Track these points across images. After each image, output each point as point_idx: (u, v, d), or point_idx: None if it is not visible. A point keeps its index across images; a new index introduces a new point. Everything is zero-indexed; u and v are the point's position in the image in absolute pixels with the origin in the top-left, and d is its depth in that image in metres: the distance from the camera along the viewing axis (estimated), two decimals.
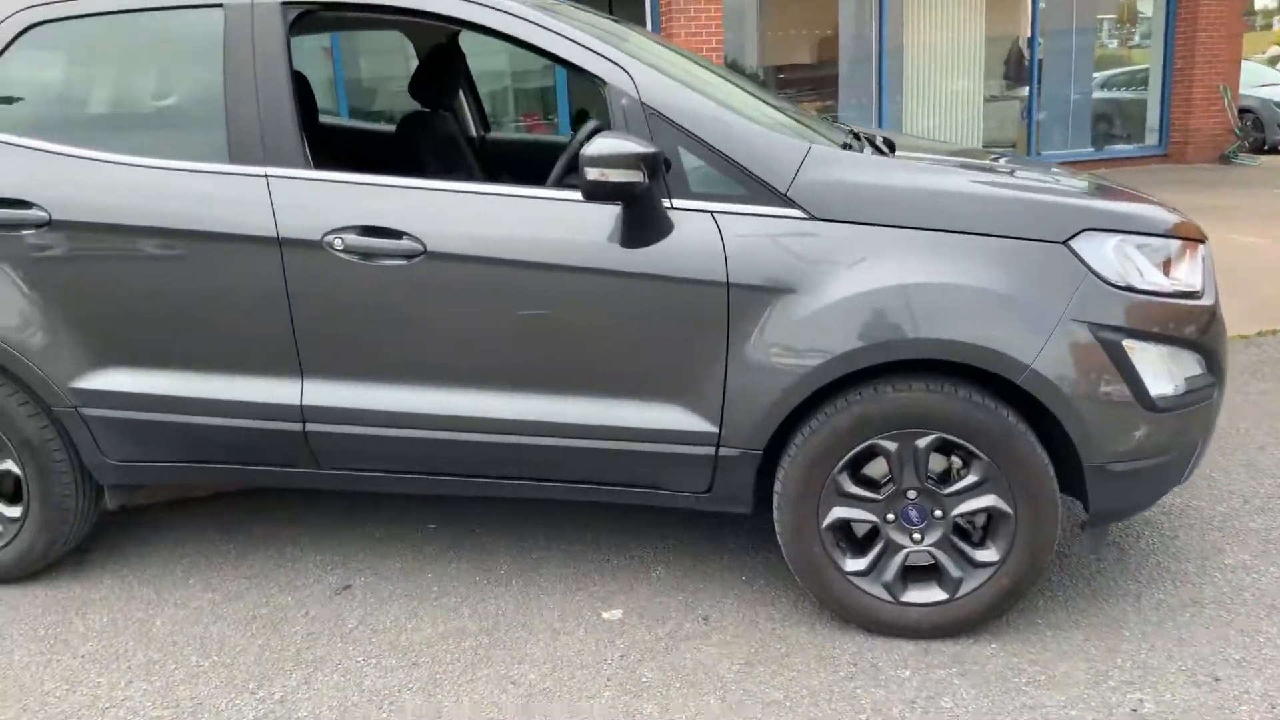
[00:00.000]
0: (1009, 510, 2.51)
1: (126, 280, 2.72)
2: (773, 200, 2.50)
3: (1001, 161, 3.17)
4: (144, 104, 2.88)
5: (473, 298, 2.60)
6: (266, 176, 2.64)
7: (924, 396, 2.46)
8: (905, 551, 2.59)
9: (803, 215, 2.48)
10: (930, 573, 2.62)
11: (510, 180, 3.99)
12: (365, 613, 2.84)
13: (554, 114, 10.65)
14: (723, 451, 2.59)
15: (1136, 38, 13.55)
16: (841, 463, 2.53)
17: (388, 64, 9.97)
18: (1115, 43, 13.53)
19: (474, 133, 4.30)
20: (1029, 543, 2.53)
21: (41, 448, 2.86)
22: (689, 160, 2.54)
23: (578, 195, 2.52)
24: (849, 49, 11.69)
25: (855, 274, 2.45)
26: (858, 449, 2.51)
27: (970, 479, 2.52)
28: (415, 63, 4.04)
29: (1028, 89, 12.26)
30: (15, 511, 2.95)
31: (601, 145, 2.36)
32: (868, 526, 2.62)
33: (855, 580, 2.61)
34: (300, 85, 2.90)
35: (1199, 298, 2.56)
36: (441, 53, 3.77)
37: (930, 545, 2.58)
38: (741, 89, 3.04)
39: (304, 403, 2.72)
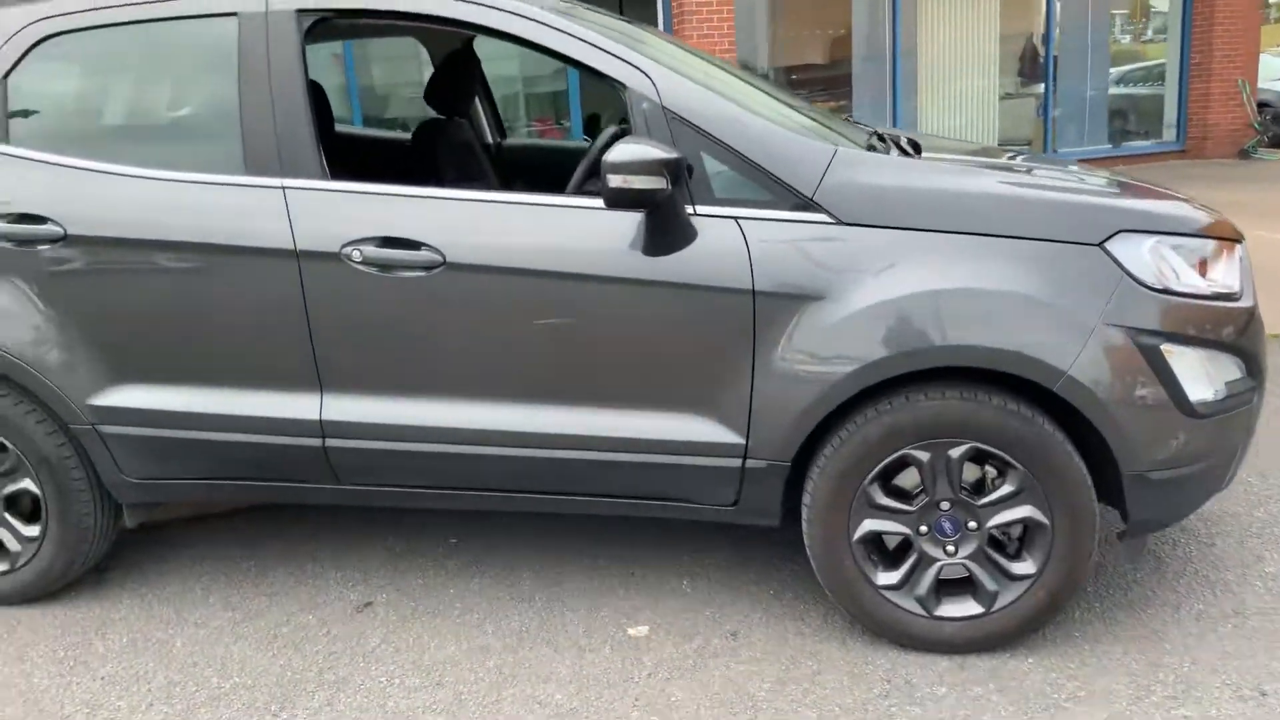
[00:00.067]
0: (1046, 521, 2.44)
1: (142, 295, 2.68)
2: (798, 205, 2.44)
3: (1019, 160, 3.11)
4: (158, 116, 2.84)
5: (493, 309, 2.55)
6: (283, 188, 2.60)
7: (957, 405, 2.39)
8: (939, 564, 2.52)
9: (829, 220, 2.42)
10: (964, 586, 2.56)
11: (526, 188, 3.97)
12: (387, 631, 2.80)
13: (566, 118, 10.61)
14: (749, 463, 2.53)
15: (1150, 32, 13.41)
16: (872, 474, 2.47)
17: (401, 70, 9.95)
18: (1128, 38, 13.39)
19: (490, 139, 4.25)
20: (1067, 554, 2.46)
21: (59, 466, 2.83)
22: (712, 165, 2.49)
23: (599, 203, 2.47)
24: (862, 48, 11.61)
25: (884, 280, 2.38)
26: (889, 459, 2.45)
27: (1005, 489, 2.45)
28: (429, 69, 4.00)
29: (1043, 86, 12.15)
30: (34, 530, 2.92)
31: (624, 151, 2.30)
32: (899, 539, 2.56)
33: (887, 594, 2.55)
34: (316, 95, 2.85)
35: (1237, 299, 2.49)
36: (457, 59, 3.73)
37: (964, 558, 2.51)
38: (762, 90, 2.99)
39: (323, 418, 2.68)
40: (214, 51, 2.66)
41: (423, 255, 2.53)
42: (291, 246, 2.57)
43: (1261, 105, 12.77)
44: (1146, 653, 2.55)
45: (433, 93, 3.69)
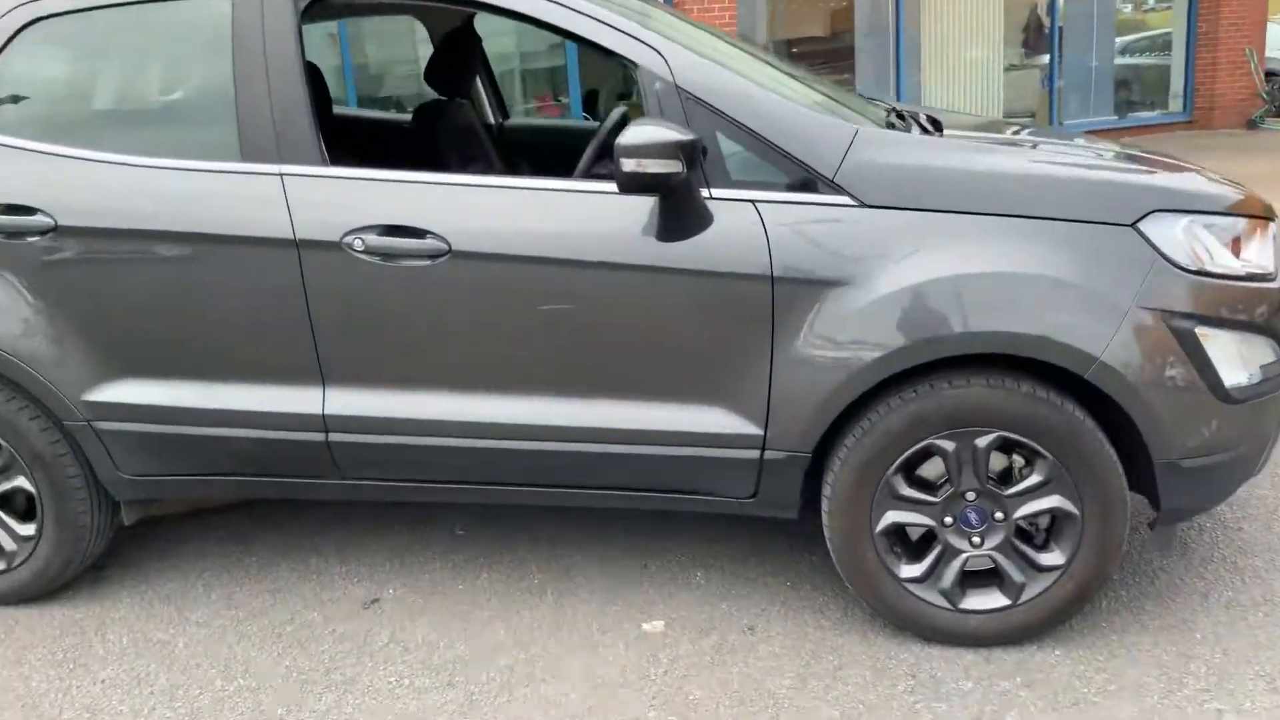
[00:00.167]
0: (1075, 511, 2.37)
1: (137, 287, 2.59)
2: (819, 187, 2.34)
3: (1024, 134, 3.01)
4: (150, 101, 2.75)
5: (501, 298, 2.46)
6: (281, 175, 2.50)
7: (984, 393, 2.31)
8: (964, 556, 2.45)
9: (851, 202, 2.33)
10: (990, 577, 2.48)
11: (530, 169, 3.87)
12: (395, 629, 2.72)
13: (565, 95, 10.45)
14: (768, 454, 2.45)
15: (1153, 0, 13.22)
16: (895, 464, 2.39)
17: (397, 48, 9.78)
18: (1130, 7, 13.18)
19: (492, 120, 4.13)
20: (1096, 545, 2.39)
21: (54, 463, 2.74)
22: (728, 146, 2.39)
23: (609, 186, 2.37)
24: (865, 20, 11.42)
25: (909, 264, 2.29)
26: (913, 449, 2.37)
27: (1034, 479, 2.37)
28: (426, 46, 3.88)
29: (1048, 57, 11.98)
30: (29, 529, 2.83)
31: (638, 134, 2.20)
32: (923, 530, 2.48)
33: (911, 587, 2.48)
34: (314, 77, 2.75)
35: (1271, 279, 2.41)
36: (457, 38, 3.61)
37: (991, 549, 2.44)
38: (774, 66, 2.89)
39: (326, 412, 2.59)
40: (206, 34, 2.55)
41: (427, 244, 2.43)
42: (291, 236, 2.47)
43: (1269, 74, 12.61)
44: (1177, 643, 2.48)
45: (433, 73, 3.57)
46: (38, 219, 2.58)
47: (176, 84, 2.72)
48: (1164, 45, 12.65)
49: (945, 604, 2.47)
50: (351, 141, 3.17)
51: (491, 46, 3.98)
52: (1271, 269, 2.42)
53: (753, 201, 2.36)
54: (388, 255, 2.45)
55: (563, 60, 10.28)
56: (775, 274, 2.33)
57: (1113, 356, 2.25)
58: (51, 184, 2.60)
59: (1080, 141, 3.01)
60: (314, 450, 2.63)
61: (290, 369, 2.59)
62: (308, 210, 2.48)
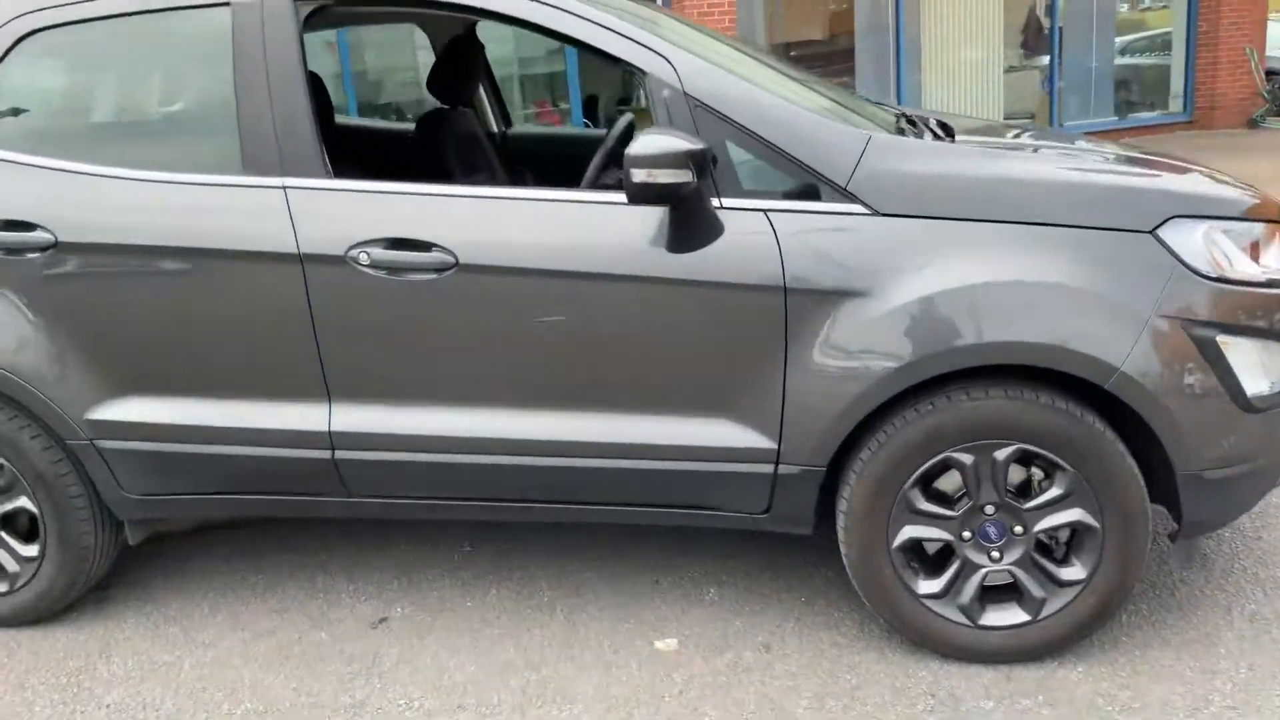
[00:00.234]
0: (1096, 524, 2.32)
1: (139, 304, 2.55)
2: (831, 195, 2.30)
3: (1025, 136, 2.97)
4: (151, 114, 2.70)
5: (509, 312, 2.41)
6: (284, 188, 2.45)
7: (1003, 404, 2.27)
8: (983, 571, 2.40)
9: (865, 211, 2.28)
10: (1009, 592, 2.44)
11: (534, 178, 3.83)
12: (404, 649, 2.67)
13: (565, 101, 10.41)
14: (782, 469, 2.41)
15: (1147, 0, 13.18)
16: (913, 478, 2.34)
17: (396, 55, 9.75)
18: (1125, 6, 13.14)
19: (495, 128, 4.09)
20: (1118, 559, 2.34)
21: (56, 483, 2.70)
22: (738, 154, 2.35)
23: (617, 197, 2.33)
24: (864, 21, 11.39)
25: (925, 273, 2.25)
26: (930, 463, 2.33)
27: (1054, 492, 2.33)
28: (425, 53, 3.84)
29: (1048, 58, 11.94)
30: (32, 550, 2.79)
31: (648, 144, 2.16)
32: (941, 545, 2.44)
33: (929, 603, 2.43)
34: (316, 87, 2.70)
35: None
36: (460, 45, 3.57)
37: (1010, 564, 2.39)
38: (781, 72, 2.84)
39: (332, 429, 2.54)
40: (207, 45, 2.50)
41: (434, 257, 2.39)
42: (295, 250, 2.43)
43: (1270, 74, 12.56)
44: (1200, 659, 2.43)
45: (436, 81, 3.53)
46: (37, 235, 2.53)
47: (177, 95, 2.67)
48: (1164, 45, 12.61)
49: (964, 620, 2.43)
50: (356, 153, 3.13)
51: (490, 52, 3.94)
52: None
53: (764, 211, 2.31)
54: (394, 269, 2.41)
55: (562, 66, 10.24)
56: (788, 285, 2.29)
57: (1134, 366, 2.20)
58: (51, 199, 2.56)
59: (1082, 144, 2.97)
60: (320, 468, 2.59)
61: (295, 385, 2.54)
62: (312, 224, 2.44)
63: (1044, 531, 2.36)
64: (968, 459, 2.31)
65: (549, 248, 2.39)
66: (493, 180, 3.51)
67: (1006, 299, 2.23)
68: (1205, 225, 2.29)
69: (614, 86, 11.08)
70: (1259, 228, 2.38)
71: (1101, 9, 12.32)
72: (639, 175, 2.17)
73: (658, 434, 2.44)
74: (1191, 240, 2.26)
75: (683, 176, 2.17)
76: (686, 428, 2.43)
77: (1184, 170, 2.63)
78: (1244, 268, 2.31)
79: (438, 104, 3.60)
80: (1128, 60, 12.76)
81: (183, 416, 2.60)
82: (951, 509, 2.38)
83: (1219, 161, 3.09)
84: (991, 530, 2.38)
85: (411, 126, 3.85)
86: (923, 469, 2.33)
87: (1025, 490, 2.39)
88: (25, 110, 2.69)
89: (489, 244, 2.40)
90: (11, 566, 2.82)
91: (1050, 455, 2.28)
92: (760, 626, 2.67)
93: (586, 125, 10.10)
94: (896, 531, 2.39)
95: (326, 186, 2.46)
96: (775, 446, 2.39)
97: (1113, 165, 2.58)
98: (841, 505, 2.42)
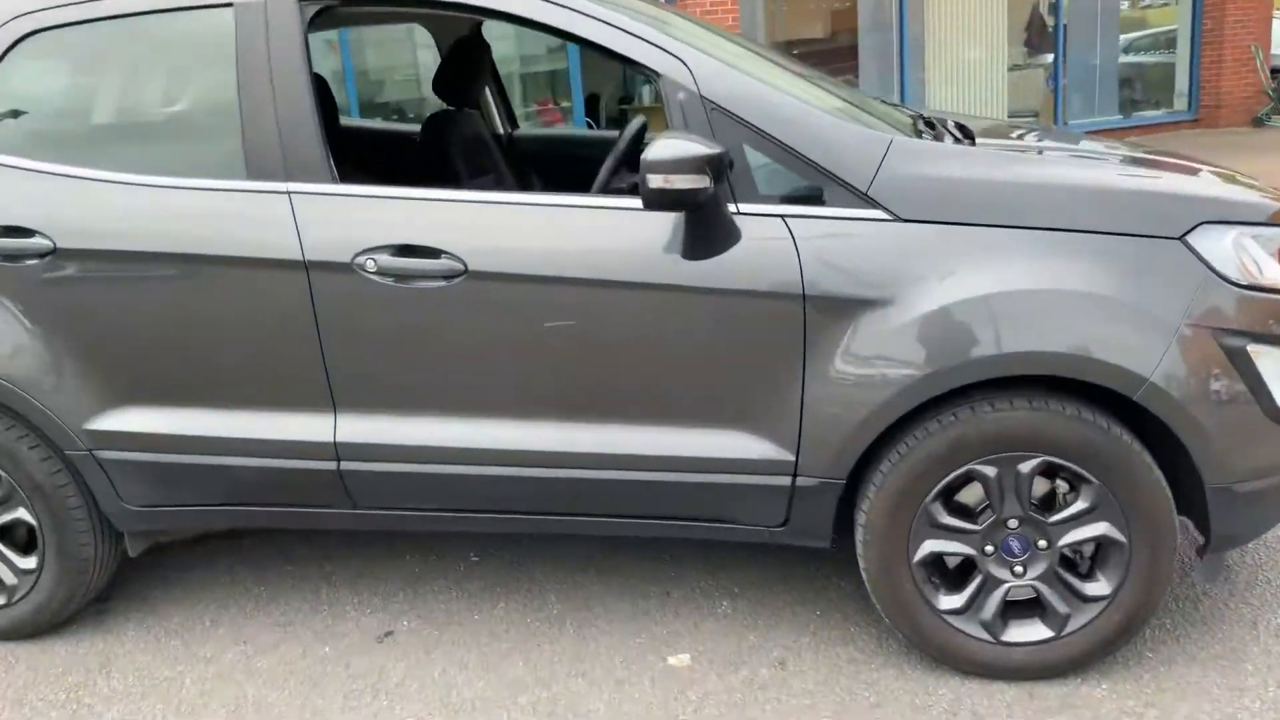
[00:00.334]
0: (1123, 539, 2.26)
1: (140, 311, 2.48)
2: (852, 200, 2.24)
3: (1029, 137, 2.92)
4: (152, 118, 2.63)
5: (520, 320, 2.35)
6: (289, 193, 2.39)
7: (1028, 415, 2.20)
8: (1006, 586, 2.34)
9: (886, 216, 2.22)
10: (1032, 607, 2.38)
11: (541, 180, 3.77)
12: (410, 664, 2.61)
13: (566, 99, 10.35)
14: (800, 481, 2.35)
15: None
16: (934, 491, 2.28)
17: (398, 55, 9.67)
18: (1127, 4, 13.06)
19: (501, 130, 4.03)
20: (1144, 574, 2.28)
21: (55, 494, 2.63)
22: (755, 158, 2.28)
23: (632, 202, 2.27)
24: (868, 19, 11.33)
25: (948, 281, 2.19)
26: (953, 475, 2.27)
27: (1079, 505, 2.27)
28: (427, 52, 3.78)
29: (1052, 56, 11.87)
30: (30, 563, 2.73)
31: (664, 149, 2.10)
32: (962, 559, 2.37)
33: (950, 619, 2.37)
34: (320, 90, 2.64)
35: None
36: (466, 46, 3.50)
37: (1034, 579, 2.33)
38: (797, 73, 2.77)
39: (337, 439, 2.48)
40: (209, 47, 2.44)
41: (442, 264, 2.33)
42: (300, 257, 2.37)
43: (1275, 71, 12.50)
44: (1227, 675, 2.37)
45: (441, 83, 3.47)
46: (36, 241, 2.47)
47: (179, 98, 2.61)
48: (1168, 43, 12.55)
49: (986, 636, 2.37)
50: (360, 156, 3.07)
51: (491, 50, 3.86)
52: None
53: (782, 216, 2.25)
54: (401, 276, 2.35)
55: (564, 64, 10.17)
56: (807, 292, 2.23)
57: (1163, 377, 2.14)
58: (50, 204, 2.49)
59: (1086, 144, 2.91)
60: (325, 479, 2.53)
61: (300, 395, 2.48)
62: (317, 230, 2.38)
63: (1069, 546, 2.30)
64: (991, 471, 2.25)
65: (561, 254, 2.32)
66: (499, 183, 3.45)
67: (1032, 307, 2.17)
68: (1235, 231, 2.23)
69: (616, 85, 11.02)
70: None
71: (1106, 7, 12.25)
72: (655, 180, 2.10)
73: (671, 445, 2.38)
74: (1221, 247, 2.20)
75: (700, 182, 2.11)
76: (701, 439, 2.37)
77: (1195, 171, 2.57)
78: (1274, 274, 2.25)
79: (441, 103, 3.53)
80: (1132, 58, 12.69)
81: (184, 427, 2.54)
82: (974, 522, 2.32)
83: (1226, 160, 3.03)
84: (1015, 544, 2.32)
85: (416, 128, 3.78)
86: (945, 481, 2.27)
87: (1049, 503, 2.32)
88: (24, 113, 2.63)
89: (499, 250, 2.33)
90: (9, 579, 2.75)
91: (1075, 468, 2.22)
92: (775, 641, 2.61)
93: (589, 124, 10.04)
94: (917, 546, 2.33)
95: (332, 191, 2.40)
96: (793, 458, 2.33)
97: (1139, 170, 2.52)
98: (860, 518, 2.36)
